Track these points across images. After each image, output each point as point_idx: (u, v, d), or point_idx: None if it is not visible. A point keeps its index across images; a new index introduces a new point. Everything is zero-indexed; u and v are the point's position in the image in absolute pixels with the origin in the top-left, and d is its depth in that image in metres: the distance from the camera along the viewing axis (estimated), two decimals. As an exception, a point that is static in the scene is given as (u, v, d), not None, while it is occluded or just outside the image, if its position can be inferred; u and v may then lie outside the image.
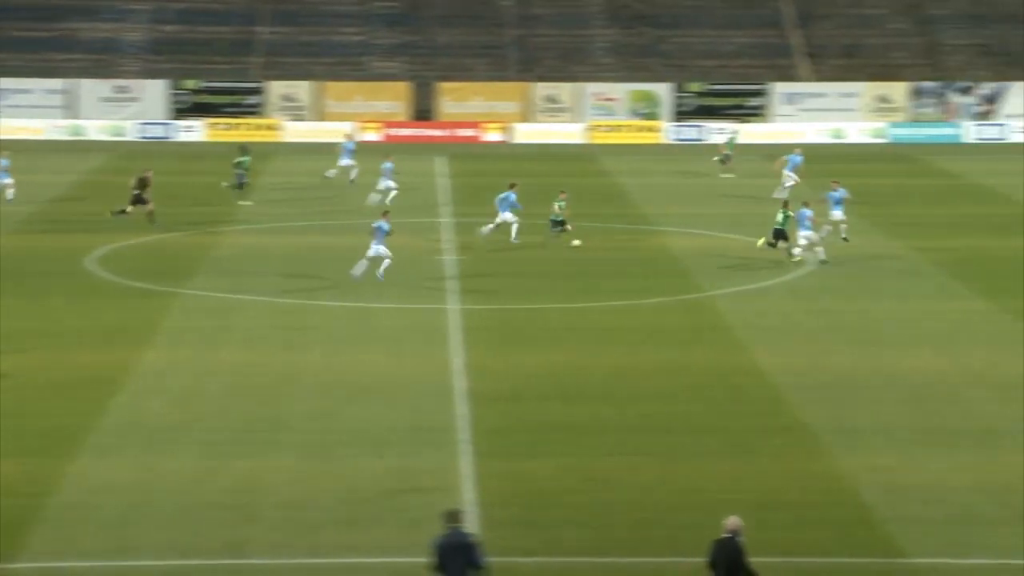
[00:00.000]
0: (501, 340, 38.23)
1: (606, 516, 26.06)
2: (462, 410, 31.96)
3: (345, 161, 63.49)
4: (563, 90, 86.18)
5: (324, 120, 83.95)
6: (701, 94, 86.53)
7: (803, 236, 47.59)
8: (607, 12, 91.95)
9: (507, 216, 50.65)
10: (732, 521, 21.22)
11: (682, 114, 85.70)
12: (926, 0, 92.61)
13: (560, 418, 31.57)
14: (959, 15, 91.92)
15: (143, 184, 53.56)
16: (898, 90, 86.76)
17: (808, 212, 47.95)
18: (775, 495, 27.11)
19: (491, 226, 50.71)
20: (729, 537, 21.11)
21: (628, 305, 42.56)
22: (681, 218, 57.19)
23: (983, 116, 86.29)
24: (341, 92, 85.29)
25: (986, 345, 37.80)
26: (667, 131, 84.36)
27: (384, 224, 44.89)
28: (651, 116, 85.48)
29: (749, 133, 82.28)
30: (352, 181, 62.62)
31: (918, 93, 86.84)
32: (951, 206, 60.00)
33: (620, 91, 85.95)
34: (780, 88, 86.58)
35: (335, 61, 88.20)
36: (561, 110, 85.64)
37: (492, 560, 21.37)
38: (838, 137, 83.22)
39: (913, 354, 36.89)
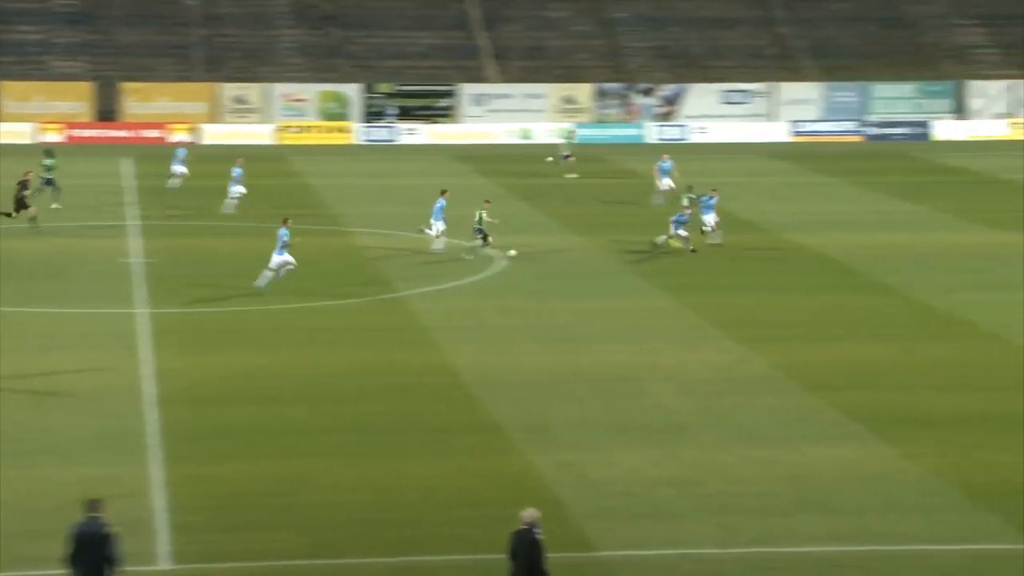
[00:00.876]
0: (194, 344, 37.77)
1: (305, 518, 25.89)
2: (152, 415, 31.48)
3: (178, 167, 63.22)
4: (251, 91, 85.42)
5: (2, 121, 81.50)
6: (391, 95, 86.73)
7: (676, 232, 49.48)
8: (294, 12, 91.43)
9: (441, 225, 49.65)
10: (529, 513, 21.18)
11: (372, 114, 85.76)
12: (607, 3, 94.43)
13: (256, 420, 31.32)
14: (639, 17, 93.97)
15: (24, 186, 53.01)
16: (583, 91, 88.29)
17: (684, 217, 49.94)
18: (471, 493, 27.32)
19: (430, 232, 49.61)
20: (526, 529, 21.09)
21: (323, 306, 42.43)
22: (373, 219, 57.21)
23: (664, 117, 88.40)
24: (20, 92, 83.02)
25: (672, 341, 38.67)
26: (357, 132, 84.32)
27: (284, 232, 43.98)
28: (341, 117, 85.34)
29: (439, 134, 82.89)
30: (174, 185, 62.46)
31: (602, 94, 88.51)
32: (637, 205, 61.24)
33: (309, 92, 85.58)
34: (468, 89, 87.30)
35: (13, 60, 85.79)
36: (250, 111, 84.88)
37: (185, 567, 21.05)
38: (526, 138, 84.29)
39: (602, 351, 37.55)
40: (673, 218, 50.47)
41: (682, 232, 49.75)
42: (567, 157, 69.56)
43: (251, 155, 68.55)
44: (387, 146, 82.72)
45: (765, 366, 36.15)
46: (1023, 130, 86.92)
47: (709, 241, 50.87)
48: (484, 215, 49.08)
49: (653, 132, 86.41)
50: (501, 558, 21.50)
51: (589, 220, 57.24)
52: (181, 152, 64.77)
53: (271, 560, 24.18)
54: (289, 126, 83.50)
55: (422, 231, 49.93)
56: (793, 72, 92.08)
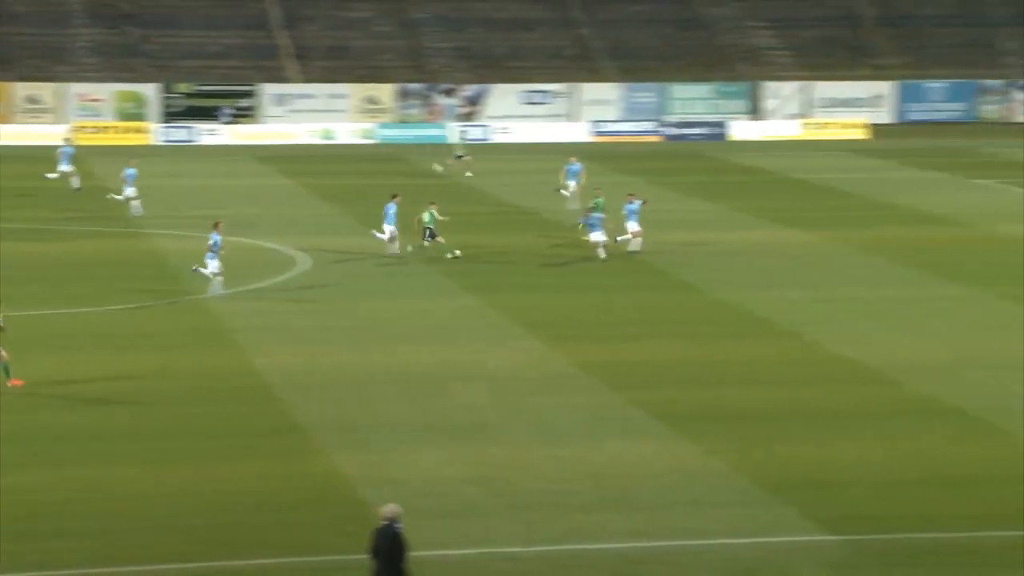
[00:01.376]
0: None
1: (103, 525, 25.53)
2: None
3: (65, 167, 62.23)
4: (45, 90, 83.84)
5: None
6: (190, 95, 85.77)
7: (594, 236, 49.06)
8: (89, 11, 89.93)
9: (392, 228, 49.25)
10: (389, 508, 21.06)
11: (171, 115, 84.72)
12: (409, 4, 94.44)
13: (52, 427, 30.83)
14: (440, 18, 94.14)
15: None
16: (385, 92, 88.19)
17: (599, 216, 49.50)
18: (276, 495, 27.13)
19: (381, 235, 49.39)
20: (387, 524, 20.98)
21: (123, 310, 41.84)
22: (171, 221, 56.54)
23: (467, 117, 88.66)
24: None
25: (477, 340, 38.80)
26: (156, 132, 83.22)
27: (217, 237, 43.36)
28: (138, 117, 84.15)
29: (240, 134, 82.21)
30: (77, 189, 61.71)
31: (404, 95, 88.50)
32: (441, 205, 61.22)
33: (105, 92, 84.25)
34: (270, 89, 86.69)
35: None
36: (43, 111, 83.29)
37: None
38: (328, 138, 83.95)
39: (408, 351, 37.54)
40: (583, 219, 50.17)
41: (598, 235, 49.20)
42: (460, 157, 69.46)
43: (44, 156, 67.40)
44: (187, 147, 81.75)
45: (568, 365, 36.42)
46: (815, 131, 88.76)
47: (628, 249, 50.45)
48: (435, 213, 49.37)
49: (455, 132, 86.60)
50: (308, 560, 21.46)
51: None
52: (68, 150, 64.08)
53: (69, 569, 23.78)
54: (85, 126, 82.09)
55: (374, 235, 49.78)
56: (593, 73, 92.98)
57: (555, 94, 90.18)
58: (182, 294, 43.95)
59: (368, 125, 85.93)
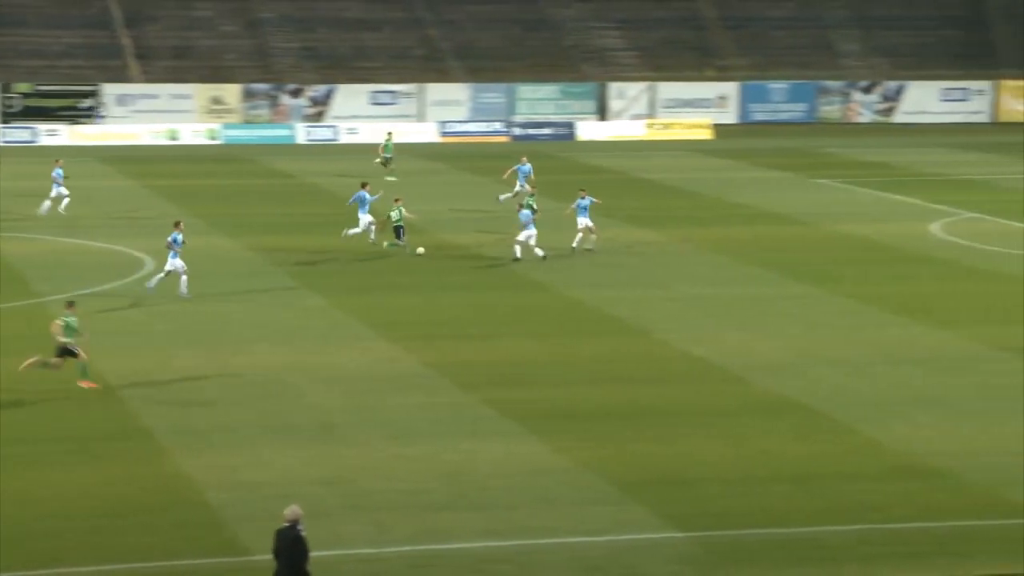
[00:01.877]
0: None
1: None
2: None
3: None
4: None
5: None
6: (29, 95, 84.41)
7: (525, 234, 49.06)
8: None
9: (368, 218, 50.19)
10: (291, 510, 20.96)
11: (9, 115, 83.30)
12: (253, 4, 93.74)
13: None
14: (286, 18, 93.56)
15: None
16: (230, 92, 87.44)
17: (528, 213, 49.53)
18: (123, 501, 26.78)
19: (356, 230, 49.93)
20: (289, 526, 20.86)
21: (-39, 313, 41.09)
22: (13, 223, 55.59)
23: (314, 118, 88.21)
24: None
25: (324, 341, 38.60)
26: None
27: (178, 236, 42.78)
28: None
29: (82, 135, 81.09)
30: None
31: (250, 95, 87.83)
32: (289, 206, 60.92)
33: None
34: (111, 89, 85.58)
35: None
36: None
37: None
38: (173, 139, 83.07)
39: (255, 352, 37.27)
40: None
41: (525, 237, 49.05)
42: (386, 161, 68.80)
43: None
44: (27, 147, 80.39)
45: (418, 364, 36.36)
46: (660, 131, 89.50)
47: (585, 246, 50.50)
48: (403, 211, 49.88)
49: (303, 133, 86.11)
50: (154, 566, 21.16)
51: (238, 221, 56.69)
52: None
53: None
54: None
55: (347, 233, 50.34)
56: (440, 73, 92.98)
57: (402, 94, 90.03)
58: (24, 297, 43.20)
59: (213, 126, 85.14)
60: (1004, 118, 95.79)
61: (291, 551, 20.90)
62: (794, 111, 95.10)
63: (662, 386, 34.75)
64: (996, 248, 50.53)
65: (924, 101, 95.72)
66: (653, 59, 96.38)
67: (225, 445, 29.91)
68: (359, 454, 29.36)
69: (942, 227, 56.10)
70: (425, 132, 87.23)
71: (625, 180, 69.70)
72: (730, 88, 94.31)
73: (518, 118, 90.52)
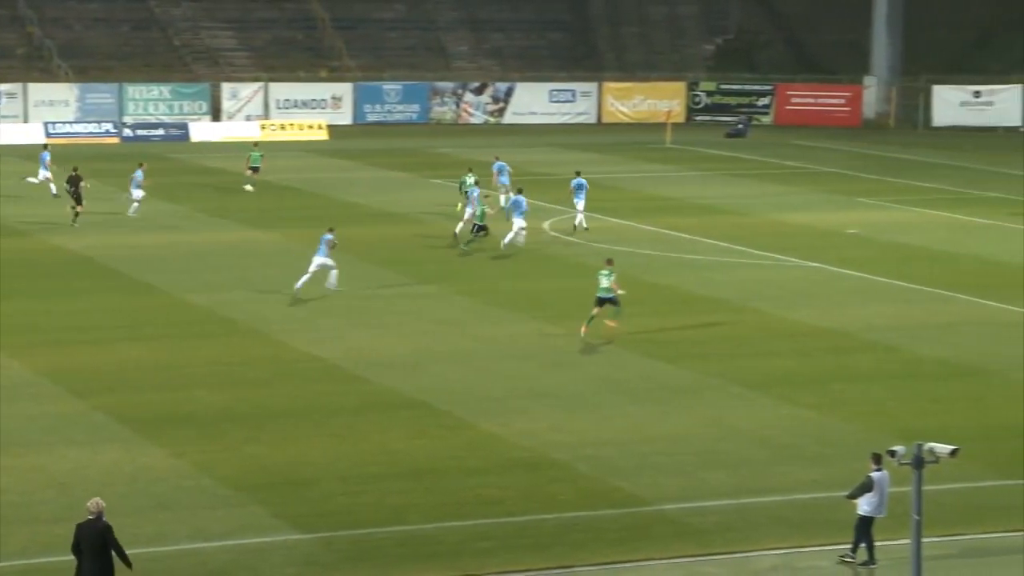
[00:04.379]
0: None
1: None
2: None
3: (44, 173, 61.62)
4: None
5: None
6: None
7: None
8: None
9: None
10: (94, 503, 20.98)
11: None
12: None
13: None
14: None
15: (75, 181, 55.76)
16: None
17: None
18: None
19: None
20: (93, 519, 20.83)
21: None
22: None
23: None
24: None
25: None
26: None
27: (329, 236, 42.92)
28: None
29: None
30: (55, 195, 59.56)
31: None
32: None
33: None
34: None
35: None
36: None
37: None
38: None
39: None
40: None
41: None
42: (255, 170, 65.77)
43: None
44: None
45: (28, 372, 35.36)
46: (275, 132, 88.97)
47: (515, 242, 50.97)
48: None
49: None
50: None
51: None
52: (45, 156, 63.36)
53: None
54: None
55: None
56: (45, 73, 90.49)
57: (7, 94, 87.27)
58: None
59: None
60: (607, 119, 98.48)
61: (96, 542, 20.93)
62: (408, 112, 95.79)
63: (280, 386, 34.54)
64: (604, 245, 51.83)
65: (533, 102, 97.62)
66: (265, 60, 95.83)
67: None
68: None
69: (551, 225, 57.32)
70: (31, 132, 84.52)
71: (241, 182, 69.14)
72: (344, 89, 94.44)
73: (129, 119, 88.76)
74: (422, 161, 78.27)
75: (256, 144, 72.06)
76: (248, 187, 66.24)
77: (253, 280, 46.93)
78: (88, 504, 21.20)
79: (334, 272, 44.08)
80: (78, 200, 55.76)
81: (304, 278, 43.75)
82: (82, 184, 56.16)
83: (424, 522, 26.14)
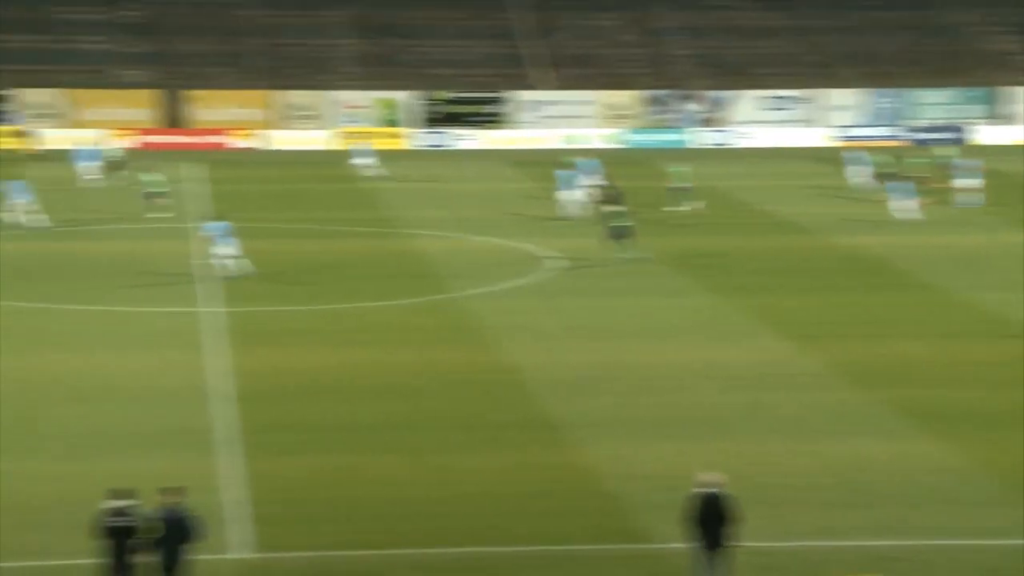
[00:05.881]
0: (259, 341, 38.57)
1: (361, 511, 26.57)
2: (221, 411, 32.28)
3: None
4: (310, 98, 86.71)
5: (78, 128, 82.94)
6: (444, 102, 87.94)
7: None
8: (351, 23, 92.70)
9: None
10: (710, 476, 22.65)
11: (427, 121, 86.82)
12: (652, 14, 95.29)
13: (317, 417, 32.07)
14: (683, 27, 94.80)
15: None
16: (629, 98, 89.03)
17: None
18: (522, 485, 27.89)
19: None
20: (708, 492, 22.44)
21: (380, 306, 43.24)
22: (429, 221, 58.01)
23: (708, 123, 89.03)
24: (93, 100, 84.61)
25: (715, 338, 39.22)
26: (412, 137, 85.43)
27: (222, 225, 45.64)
28: (395, 123, 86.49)
29: (493, 139, 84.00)
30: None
31: (648, 101, 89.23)
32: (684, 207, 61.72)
33: (366, 99, 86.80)
34: (518, 96, 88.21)
35: (83, 69, 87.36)
36: (309, 117, 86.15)
37: (258, 556, 21.99)
38: (576, 143, 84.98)
39: (648, 348, 38.18)
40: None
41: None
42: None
43: (312, 160, 70.02)
44: (441, 151, 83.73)
45: (809, 363, 36.63)
46: None
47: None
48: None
49: (697, 137, 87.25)
50: (553, 549, 21.93)
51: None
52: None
53: (326, 551, 24.83)
54: (348, 132, 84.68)
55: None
56: (832, 79, 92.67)
57: (795, 99, 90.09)
58: (441, 291, 45.21)
59: (614, 131, 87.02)
60: None
61: (719, 516, 22.07)
62: None
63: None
64: None
65: None
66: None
67: (620, 437, 30.67)
68: (751, 450, 29.74)
69: None
70: (815, 136, 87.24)
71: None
72: None
73: (912, 122, 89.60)
74: None
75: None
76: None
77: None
78: (701, 476, 22.38)
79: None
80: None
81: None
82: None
83: None
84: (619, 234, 49.27)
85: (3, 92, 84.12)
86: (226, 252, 45.78)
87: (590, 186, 58.94)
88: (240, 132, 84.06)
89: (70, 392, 33.96)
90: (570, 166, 62.34)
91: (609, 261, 49.37)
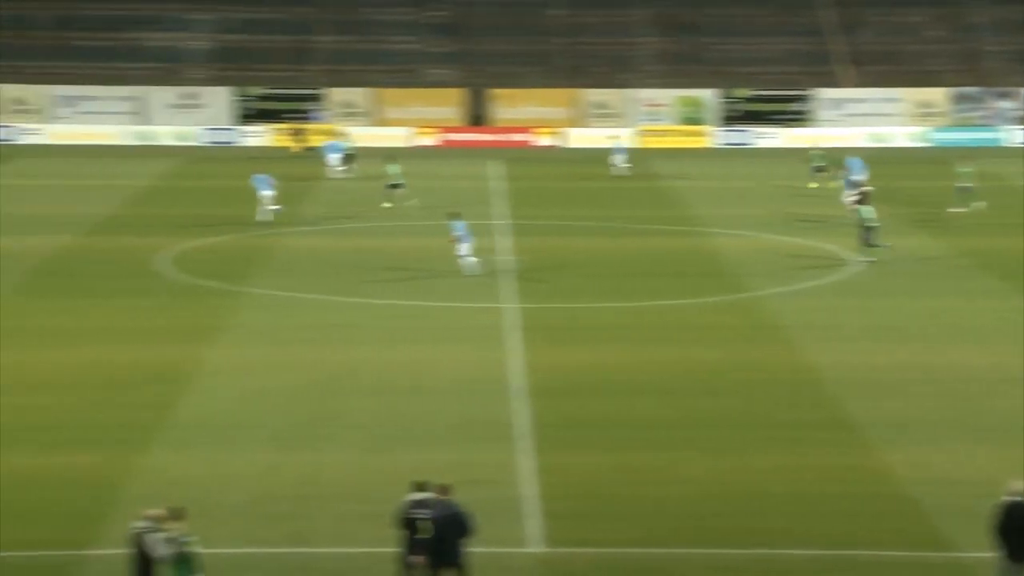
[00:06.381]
0: (556, 337, 38.94)
1: (654, 508, 26.73)
2: (518, 406, 32.73)
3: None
4: (612, 96, 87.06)
5: (382, 126, 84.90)
6: (746, 100, 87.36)
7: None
8: (652, 22, 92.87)
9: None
10: (1018, 484, 22.12)
11: (728, 119, 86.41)
12: (964, 9, 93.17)
13: (612, 414, 32.29)
14: (998, 23, 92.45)
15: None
16: (938, 95, 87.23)
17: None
18: (820, 487, 27.71)
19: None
20: (1022, 501, 21.95)
21: (679, 304, 43.26)
22: (729, 220, 57.82)
23: (1021, 121, 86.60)
24: (398, 98, 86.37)
25: (1021, 342, 38.22)
26: (714, 135, 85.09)
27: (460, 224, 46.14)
28: (697, 121, 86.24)
29: (794, 137, 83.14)
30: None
31: (958, 98, 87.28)
32: (992, 208, 60.30)
33: (667, 97, 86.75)
34: (822, 94, 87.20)
35: (392, 69, 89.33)
36: (610, 115, 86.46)
37: (550, 551, 22.17)
38: (880, 141, 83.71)
39: (952, 350, 37.50)
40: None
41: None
42: (820, 169, 68.20)
43: (604, 159, 70.32)
44: (742, 149, 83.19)
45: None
46: None
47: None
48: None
49: (1012, 136, 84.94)
50: (857, 554, 21.54)
51: (939, 221, 56.55)
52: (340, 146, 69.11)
53: (620, 548, 24.98)
54: (649, 130, 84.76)
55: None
56: None
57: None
58: (741, 290, 45.04)
59: (921, 129, 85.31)
60: None
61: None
62: None
63: None
64: None
65: None
66: None
67: (923, 441, 30.26)
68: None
69: None
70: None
71: None
72: None
73: None
74: None
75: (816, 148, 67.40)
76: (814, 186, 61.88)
77: None
78: (1017, 486, 21.46)
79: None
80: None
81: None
82: None
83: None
84: (867, 235, 48.37)
85: (315, 91, 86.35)
86: (464, 251, 46.10)
87: (861, 184, 57.58)
88: (543, 130, 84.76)
89: (370, 384, 34.65)
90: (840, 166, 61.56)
91: (907, 260, 48.60)
